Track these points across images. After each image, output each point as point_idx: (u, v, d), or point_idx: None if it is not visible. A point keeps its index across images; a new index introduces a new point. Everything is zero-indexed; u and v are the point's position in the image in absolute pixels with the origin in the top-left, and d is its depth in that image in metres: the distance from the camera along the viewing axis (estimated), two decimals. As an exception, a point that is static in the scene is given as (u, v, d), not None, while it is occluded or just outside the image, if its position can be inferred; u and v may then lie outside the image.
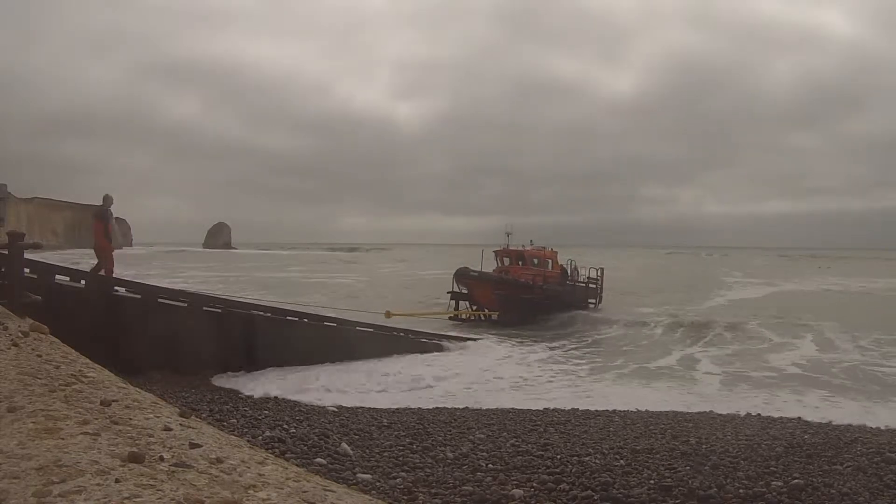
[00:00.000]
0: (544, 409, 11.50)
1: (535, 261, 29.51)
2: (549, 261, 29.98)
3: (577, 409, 11.55)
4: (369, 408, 11.22)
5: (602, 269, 31.09)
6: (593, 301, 30.18)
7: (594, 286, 30.46)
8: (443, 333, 20.69)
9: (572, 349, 20.19)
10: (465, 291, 27.51)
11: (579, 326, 25.83)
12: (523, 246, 29.92)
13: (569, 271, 29.91)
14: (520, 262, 29.20)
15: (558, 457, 7.87)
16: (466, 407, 11.61)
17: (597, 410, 11.40)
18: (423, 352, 17.86)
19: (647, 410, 11.45)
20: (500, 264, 29.56)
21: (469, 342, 20.12)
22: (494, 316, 26.67)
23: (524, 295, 27.19)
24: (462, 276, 27.24)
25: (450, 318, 26.43)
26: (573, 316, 27.68)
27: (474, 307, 27.60)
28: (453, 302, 27.65)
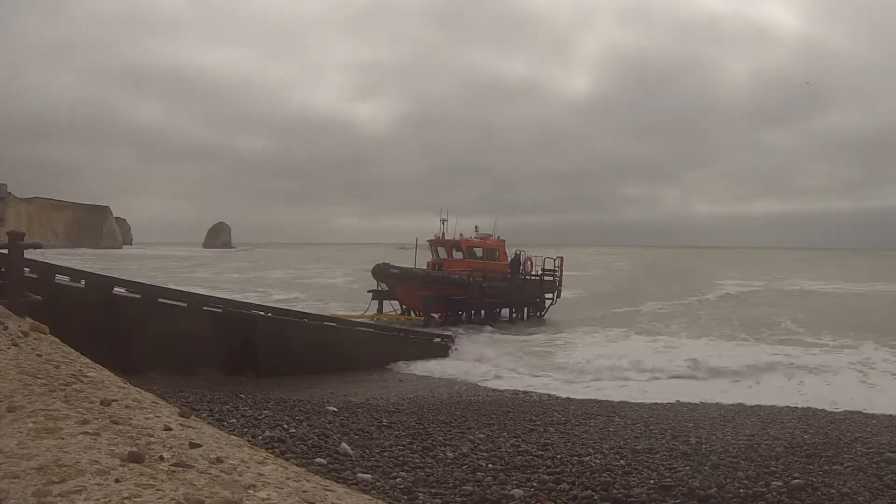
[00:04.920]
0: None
1: (478, 252, 24.97)
2: (497, 251, 25.56)
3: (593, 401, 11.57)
4: (369, 407, 11.23)
5: (561, 259, 26.76)
6: (550, 296, 26.18)
7: (551, 279, 26.12)
8: (442, 332, 20.49)
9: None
10: (388, 290, 23.40)
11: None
12: (461, 235, 25.27)
13: (520, 263, 25.35)
14: (459, 254, 24.78)
15: (558, 456, 7.87)
16: (467, 405, 11.62)
17: (597, 410, 11.42)
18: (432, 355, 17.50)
19: (648, 407, 11.49)
20: (434, 256, 25.10)
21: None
22: (421, 320, 22.82)
23: (457, 295, 22.98)
24: (381, 273, 22.88)
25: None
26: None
27: (404, 308, 23.76)
28: (375, 303, 23.51)
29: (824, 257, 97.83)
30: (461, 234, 25.26)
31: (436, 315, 23.16)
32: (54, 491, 2.22)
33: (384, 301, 23.98)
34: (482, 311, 23.99)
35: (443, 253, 25.03)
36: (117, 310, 13.22)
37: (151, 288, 15.65)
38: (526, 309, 25.80)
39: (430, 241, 25.23)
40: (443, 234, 25.05)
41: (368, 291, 23.83)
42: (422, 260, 25.17)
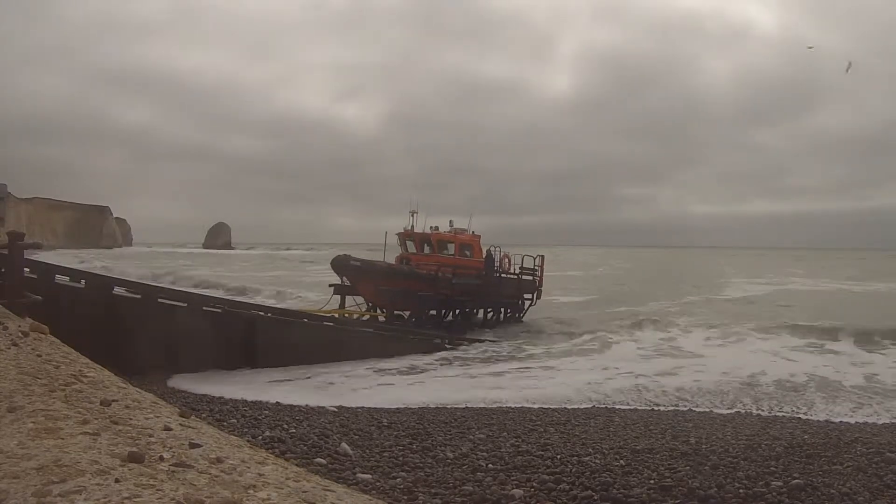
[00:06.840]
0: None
1: (449, 246, 23.63)
2: (471, 246, 24.16)
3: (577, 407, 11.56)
4: (369, 408, 11.23)
5: (542, 257, 25.29)
6: (529, 297, 24.67)
7: (530, 278, 24.60)
8: (435, 332, 20.36)
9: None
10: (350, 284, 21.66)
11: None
12: (432, 227, 23.90)
13: (493, 260, 23.69)
14: (429, 249, 23.40)
15: (558, 457, 7.86)
16: (467, 406, 11.62)
17: (597, 410, 11.42)
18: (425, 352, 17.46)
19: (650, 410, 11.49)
20: (403, 250, 23.65)
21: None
22: (382, 317, 21.41)
23: (423, 291, 21.45)
24: (340, 265, 21.07)
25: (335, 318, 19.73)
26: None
27: (370, 304, 22.05)
28: (337, 298, 21.70)
29: (822, 257, 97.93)
30: (432, 228, 23.82)
31: (403, 313, 22.06)
32: (54, 491, 2.22)
33: (355, 296, 22.22)
34: (455, 311, 22.83)
35: (412, 247, 23.52)
36: (117, 310, 13.23)
37: (151, 288, 15.65)
38: (503, 310, 24.37)
39: (399, 235, 23.71)
40: (412, 226, 23.49)
41: (330, 286, 22.13)
42: (414, 260, 23.71)
